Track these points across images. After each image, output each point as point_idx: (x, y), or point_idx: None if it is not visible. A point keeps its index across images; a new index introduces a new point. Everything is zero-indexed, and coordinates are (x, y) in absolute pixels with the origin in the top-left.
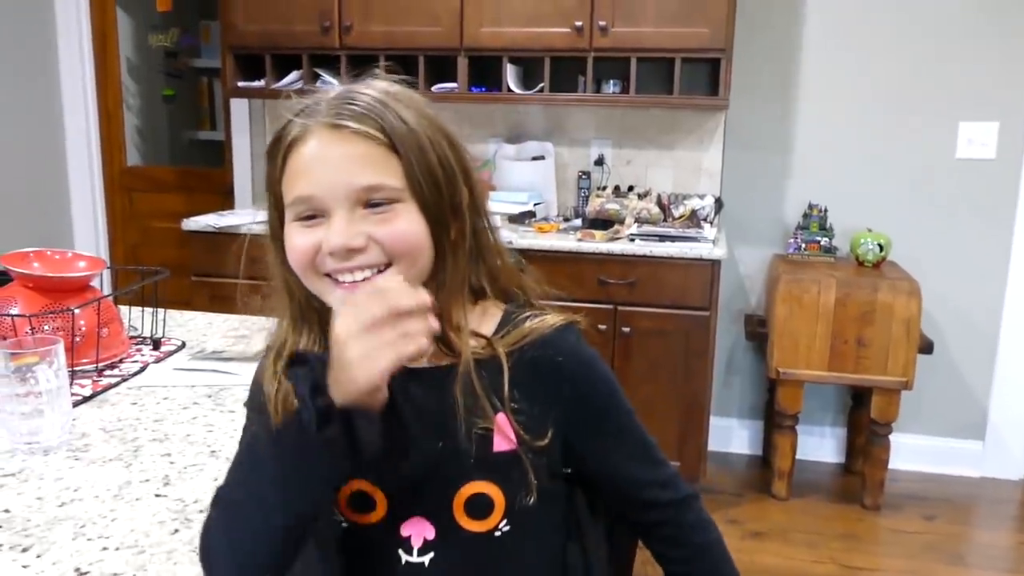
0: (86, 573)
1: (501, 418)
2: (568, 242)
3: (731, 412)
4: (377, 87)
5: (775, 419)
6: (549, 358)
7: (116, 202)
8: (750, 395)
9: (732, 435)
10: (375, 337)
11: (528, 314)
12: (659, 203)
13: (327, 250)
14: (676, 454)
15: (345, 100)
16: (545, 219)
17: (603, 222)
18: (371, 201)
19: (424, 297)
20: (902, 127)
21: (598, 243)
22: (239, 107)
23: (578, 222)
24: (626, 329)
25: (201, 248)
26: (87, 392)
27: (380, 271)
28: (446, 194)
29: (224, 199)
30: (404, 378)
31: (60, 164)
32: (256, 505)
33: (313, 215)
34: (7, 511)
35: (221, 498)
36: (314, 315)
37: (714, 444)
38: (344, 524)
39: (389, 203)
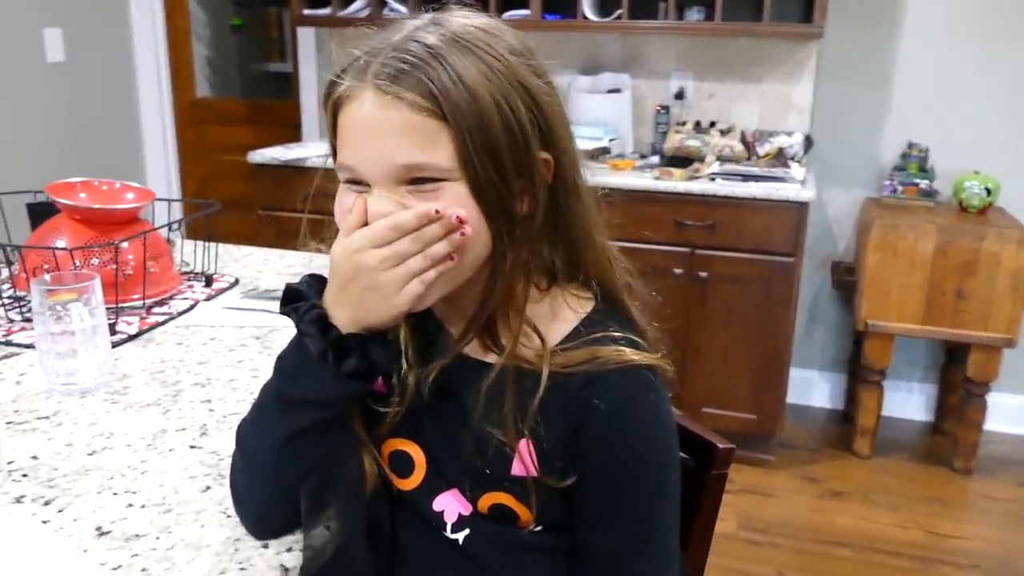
0: (107, 533)
1: (523, 445)
2: (644, 180)
3: (812, 364)
4: (448, 29)
5: (860, 373)
6: (586, 400)
7: (186, 135)
8: (833, 347)
9: (812, 388)
10: (402, 269)
11: (600, 335)
12: (743, 140)
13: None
14: (752, 406)
15: (399, 56)
16: (620, 156)
17: (682, 160)
18: (416, 178)
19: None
20: (1013, 59)
21: (676, 182)
22: (306, 36)
23: (655, 159)
24: (703, 274)
25: (267, 182)
26: (133, 330)
27: None
28: (511, 166)
29: (293, 132)
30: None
31: (131, 95)
32: (262, 424)
33: (361, 181)
34: (35, 458)
35: (239, 430)
36: None
37: (793, 397)
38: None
39: (434, 181)
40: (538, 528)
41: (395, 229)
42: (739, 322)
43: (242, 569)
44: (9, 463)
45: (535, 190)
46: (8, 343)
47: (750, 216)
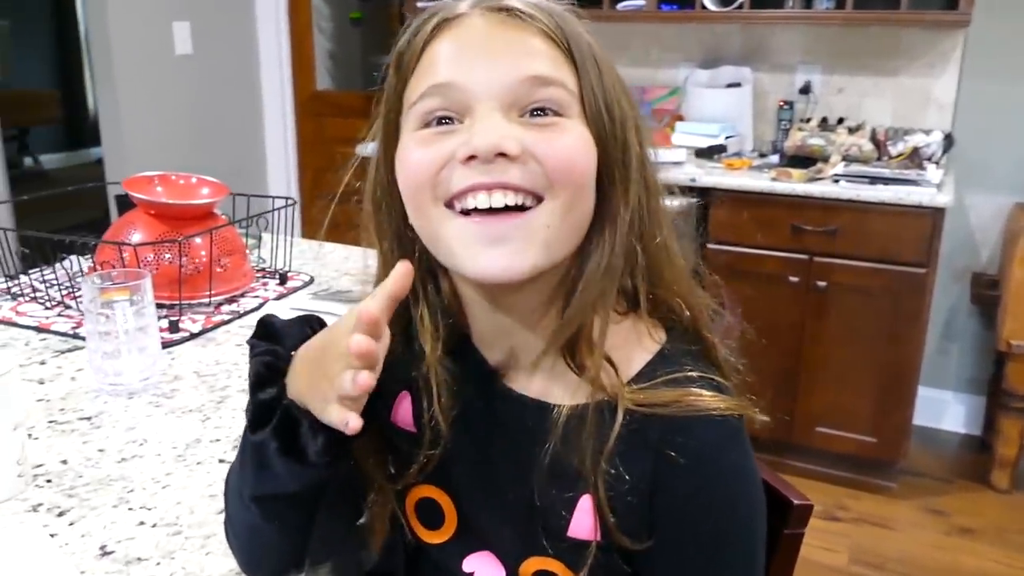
0: (110, 553)
1: (586, 501)
2: (760, 181)
3: (946, 384)
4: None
5: (1001, 398)
6: (666, 451)
7: (305, 126)
8: (971, 366)
9: (944, 410)
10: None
11: (681, 374)
12: (873, 139)
13: (466, 153)
14: (872, 428)
15: None
16: (737, 154)
17: (803, 159)
18: (534, 106)
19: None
20: None
21: (794, 183)
22: None
23: (774, 158)
24: (822, 283)
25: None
26: (196, 328)
27: (525, 209)
28: (619, 137)
29: None
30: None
31: (254, 87)
32: (235, 475)
33: (446, 117)
34: (64, 462)
35: (227, 476)
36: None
37: (921, 419)
38: (410, 539)
39: (553, 114)
40: None
41: (351, 314)
42: (861, 336)
43: None
44: (38, 467)
45: (628, 180)
46: (76, 336)
47: (877, 222)
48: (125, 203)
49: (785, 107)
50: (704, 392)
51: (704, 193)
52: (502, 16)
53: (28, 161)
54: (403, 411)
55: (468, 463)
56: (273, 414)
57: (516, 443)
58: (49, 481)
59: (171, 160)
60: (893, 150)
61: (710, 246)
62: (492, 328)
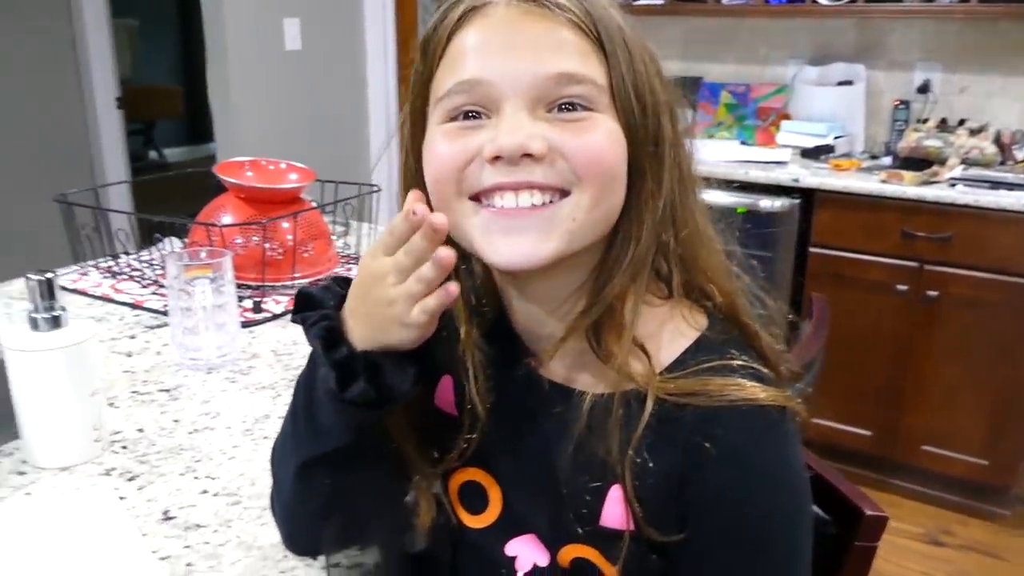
0: (172, 518)
1: (616, 491)
2: (868, 183)
3: None
4: None
5: None
6: (699, 442)
7: None
8: None
9: None
10: (412, 281)
11: (725, 362)
12: (997, 141)
13: (491, 152)
14: (984, 450)
15: None
16: (846, 155)
17: (918, 162)
18: (562, 101)
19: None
20: None
21: (906, 186)
22: None
23: (886, 160)
24: (933, 293)
25: None
26: (279, 309)
27: (551, 202)
28: (651, 125)
29: None
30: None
31: (361, 82)
32: (280, 447)
33: (473, 111)
34: (141, 430)
35: (273, 445)
36: None
37: None
38: (454, 523)
39: (582, 109)
40: None
41: (390, 233)
42: (974, 351)
43: None
44: (116, 433)
45: (661, 166)
46: (165, 312)
47: (996, 230)
48: (221, 189)
49: (901, 107)
50: (744, 381)
51: (808, 195)
52: (529, 6)
53: (153, 155)
54: (445, 394)
55: (507, 446)
56: (354, 369)
57: (545, 429)
58: (124, 447)
59: (279, 153)
60: (1019, 154)
61: (812, 249)
62: (523, 312)
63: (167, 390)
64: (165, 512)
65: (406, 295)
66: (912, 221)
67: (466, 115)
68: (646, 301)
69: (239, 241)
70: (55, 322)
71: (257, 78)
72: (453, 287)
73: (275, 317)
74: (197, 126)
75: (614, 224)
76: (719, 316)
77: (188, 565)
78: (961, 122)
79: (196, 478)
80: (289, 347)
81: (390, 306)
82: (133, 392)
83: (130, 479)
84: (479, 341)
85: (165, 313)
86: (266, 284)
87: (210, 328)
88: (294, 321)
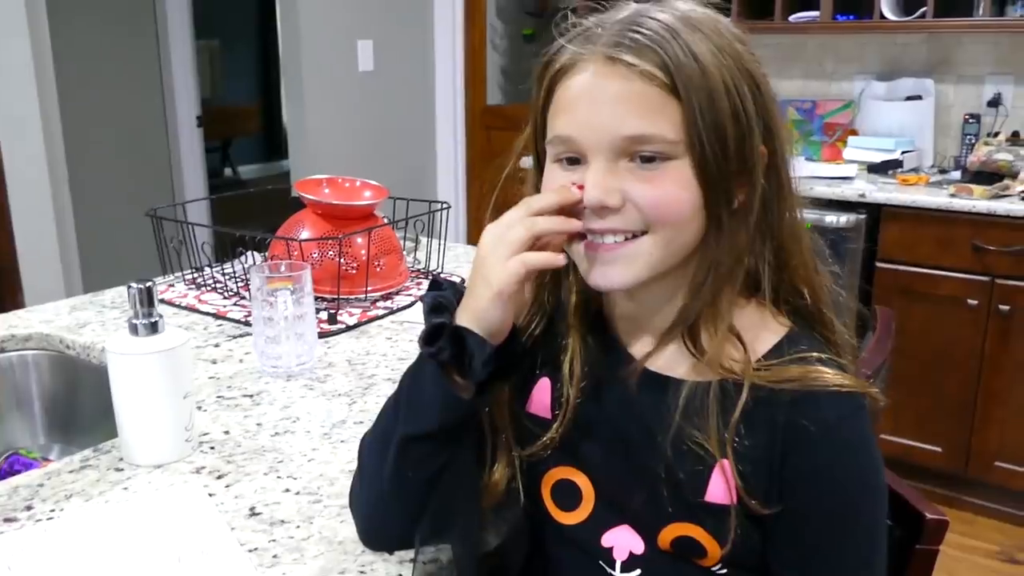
0: (258, 514)
1: (725, 464)
2: (937, 198)
3: None
4: (676, 9)
5: None
6: (797, 421)
7: (475, 140)
8: None
9: None
10: (506, 241)
11: (811, 354)
12: None
13: (580, 205)
14: None
15: (629, 27)
16: (914, 170)
17: (988, 175)
18: (638, 153)
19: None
20: None
21: (976, 200)
22: None
23: (956, 175)
24: (1005, 307)
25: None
26: (352, 321)
27: (634, 237)
28: (734, 153)
29: None
30: (622, 381)
31: (429, 102)
32: (379, 435)
33: (574, 157)
34: (227, 432)
35: (361, 440)
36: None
37: None
38: (551, 521)
39: (660, 159)
40: (723, 570)
41: (523, 206)
42: None
43: (361, 572)
44: (204, 435)
45: (753, 183)
46: (247, 323)
47: None
48: (299, 205)
49: (971, 121)
50: (826, 370)
51: (875, 210)
52: (611, 66)
53: (228, 171)
54: (540, 397)
55: (602, 438)
56: (440, 332)
57: (645, 415)
58: (212, 448)
59: (350, 171)
60: None
61: (879, 264)
62: (625, 311)
63: (250, 395)
64: (251, 508)
65: (504, 251)
66: (982, 235)
67: (570, 159)
68: (735, 302)
69: (315, 255)
70: (153, 328)
71: (330, 98)
72: (562, 258)
73: (349, 328)
74: (271, 144)
75: (699, 245)
76: (804, 312)
77: (274, 557)
78: None
79: (279, 477)
80: (363, 357)
81: (481, 270)
82: (219, 397)
83: (218, 477)
84: (584, 332)
85: (247, 323)
86: (341, 297)
87: (290, 337)
88: (421, 300)
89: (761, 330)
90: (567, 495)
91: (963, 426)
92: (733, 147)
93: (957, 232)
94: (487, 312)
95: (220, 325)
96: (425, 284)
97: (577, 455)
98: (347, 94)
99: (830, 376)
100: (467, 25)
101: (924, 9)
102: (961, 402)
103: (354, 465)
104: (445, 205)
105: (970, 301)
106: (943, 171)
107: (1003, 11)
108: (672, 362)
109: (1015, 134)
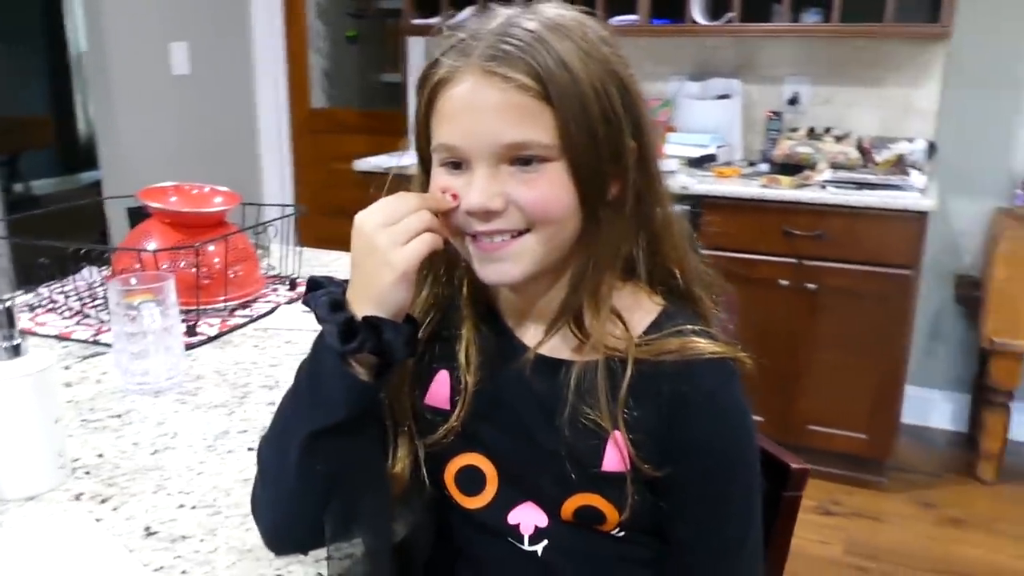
0: (155, 533)
1: (617, 436)
2: (750, 188)
3: (933, 383)
4: (544, 16)
5: (985, 394)
6: (679, 389)
7: (302, 144)
8: (957, 365)
9: (932, 408)
10: (401, 226)
11: (685, 327)
12: (859, 147)
13: (465, 208)
14: (863, 426)
15: (501, 38)
16: (727, 163)
17: (792, 167)
18: (517, 158)
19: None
20: None
21: (784, 190)
22: (416, 46)
23: (764, 167)
24: (811, 286)
25: (376, 189)
26: (213, 332)
27: (519, 234)
28: (606, 151)
29: (403, 140)
30: (517, 367)
31: (250, 106)
32: (277, 434)
33: (458, 163)
34: (100, 456)
35: (260, 443)
36: (442, 261)
37: (910, 417)
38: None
39: (537, 161)
40: (621, 533)
41: (410, 198)
42: (851, 337)
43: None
44: (75, 460)
45: (625, 177)
46: (96, 342)
47: (864, 226)
48: (137, 216)
49: (774, 118)
50: (700, 340)
51: (696, 201)
52: (488, 78)
53: (18, 187)
54: (438, 389)
55: (502, 422)
56: (354, 328)
57: (541, 398)
58: (88, 473)
59: (169, 179)
60: (879, 157)
61: (702, 252)
62: (512, 301)
63: (117, 416)
64: (147, 528)
65: (403, 231)
66: (790, 221)
67: (454, 163)
68: (614, 285)
69: (165, 266)
70: (16, 350)
71: (144, 104)
72: (440, 239)
73: (211, 339)
74: (66, 156)
75: (579, 237)
76: (678, 291)
77: (183, 573)
78: (827, 130)
79: (169, 495)
80: (231, 367)
81: (375, 253)
82: (83, 420)
83: (102, 502)
84: (479, 324)
85: (97, 342)
86: (199, 308)
87: (159, 351)
88: (304, 303)
89: (638, 309)
90: (471, 481)
91: (781, 395)
92: (605, 147)
93: (769, 219)
94: (391, 295)
95: (66, 346)
96: (283, 289)
97: (479, 440)
98: (162, 99)
99: (704, 345)
100: (287, 27)
101: (731, 15)
102: (778, 373)
103: (248, 474)
104: (301, 209)
105: (781, 282)
106: (752, 164)
107: (798, 18)
108: (560, 345)
109: (811, 130)
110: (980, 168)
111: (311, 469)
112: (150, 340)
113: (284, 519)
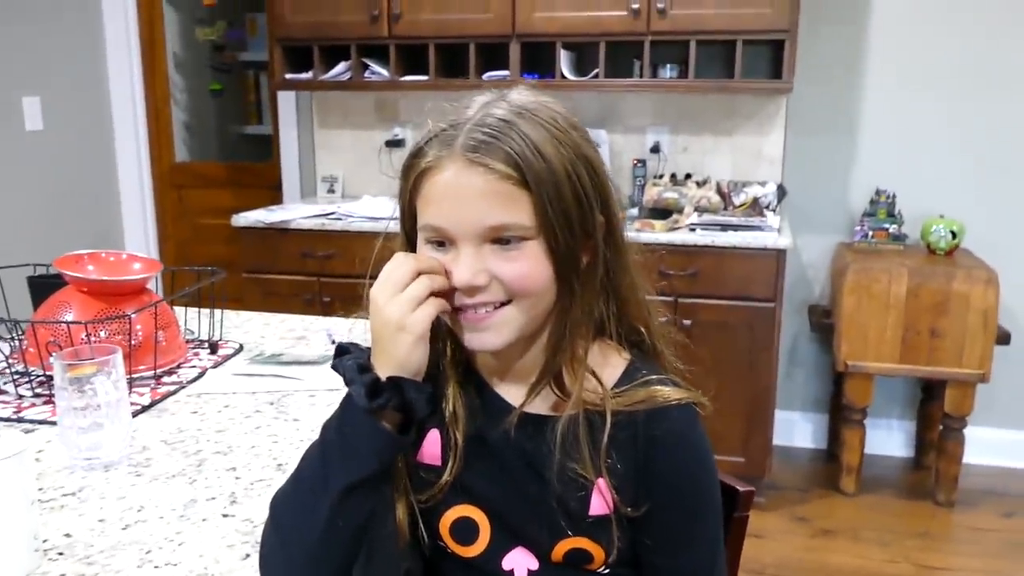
0: None
1: (601, 482)
2: (628, 233)
3: (794, 405)
4: (516, 104)
5: (843, 413)
6: (652, 434)
7: (165, 199)
8: (814, 388)
9: (795, 429)
10: (407, 294)
11: (652, 377)
12: (719, 191)
13: (454, 283)
14: (740, 449)
15: (480, 128)
16: None
17: (661, 211)
18: (499, 238)
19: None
20: (971, 110)
21: (658, 233)
22: (287, 100)
23: (634, 211)
24: (687, 322)
25: (251, 244)
26: (145, 401)
27: (501, 305)
28: (578, 229)
29: (273, 194)
30: (504, 425)
31: (109, 161)
32: (303, 492)
33: (441, 243)
34: (68, 535)
35: (274, 502)
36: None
37: (777, 438)
38: (448, 552)
39: (517, 240)
40: (606, 571)
41: (397, 265)
42: (725, 368)
43: None
44: (43, 542)
45: (596, 249)
46: (21, 419)
47: (730, 264)
48: (40, 285)
49: (639, 165)
50: (664, 388)
51: None
52: (470, 167)
53: None
54: (429, 448)
55: (492, 474)
56: (380, 388)
57: (527, 452)
58: (61, 554)
59: (24, 239)
60: (736, 200)
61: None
62: (492, 364)
63: (71, 493)
64: None
65: (409, 299)
66: (664, 262)
67: (439, 242)
68: (587, 346)
69: (83, 337)
70: None
71: None
72: (445, 303)
73: (144, 409)
74: None
75: (555, 305)
76: (644, 347)
77: None
78: (687, 176)
79: (156, 567)
80: (176, 435)
81: (389, 324)
82: (36, 501)
83: None
84: (465, 386)
85: (19, 420)
86: (130, 376)
87: (114, 423)
88: (333, 367)
89: (607, 365)
90: (465, 531)
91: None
92: (578, 224)
93: (645, 261)
94: (411, 357)
95: None
96: (204, 353)
97: (470, 492)
98: (13, 156)
99: (670, 391)
100: (147, 80)
101: (596, 71)
102: None
103: (231, 540)
104: (220, 273)
105: (660, 319)
106: (622, 208)
107: (656, 74)
108: (542, 403)
109: (673, 176)
110: (822, 207)
111: (335, 524)
112: (104, 413)
113: (316, 571)
